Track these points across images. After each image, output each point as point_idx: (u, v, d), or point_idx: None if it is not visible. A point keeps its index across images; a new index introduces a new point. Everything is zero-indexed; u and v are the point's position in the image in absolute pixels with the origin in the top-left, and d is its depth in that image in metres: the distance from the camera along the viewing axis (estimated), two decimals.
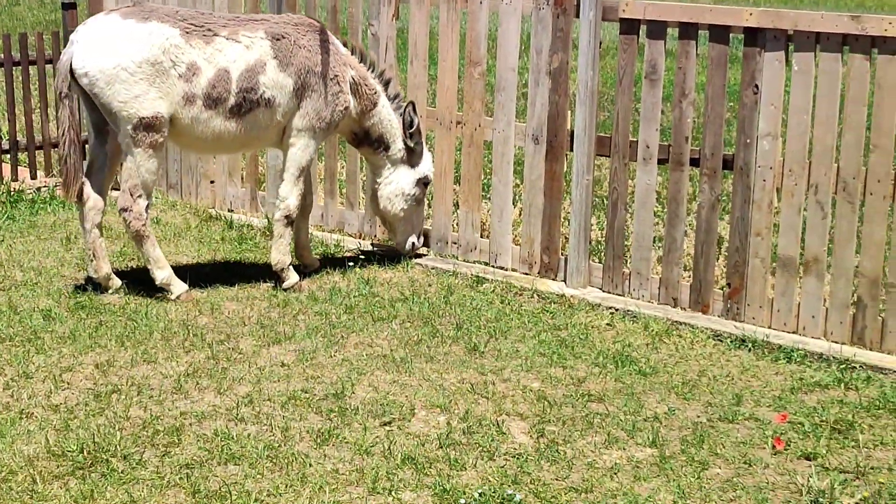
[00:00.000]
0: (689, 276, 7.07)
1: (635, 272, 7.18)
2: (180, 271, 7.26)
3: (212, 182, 9.26)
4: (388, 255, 7.93)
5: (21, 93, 9.90)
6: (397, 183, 7.58)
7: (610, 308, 7.01)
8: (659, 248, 7.62)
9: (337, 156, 8.70)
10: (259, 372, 5.89)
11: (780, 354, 6.30)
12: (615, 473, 4.86)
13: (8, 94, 9.50)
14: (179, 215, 9.02)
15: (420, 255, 7.91)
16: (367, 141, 7.56)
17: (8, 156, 9.71)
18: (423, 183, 7.67)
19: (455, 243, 8.00)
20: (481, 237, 7.95)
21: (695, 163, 6.86)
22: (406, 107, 7.49)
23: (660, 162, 7.00)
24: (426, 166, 7.69)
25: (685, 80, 6.82)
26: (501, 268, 7.75)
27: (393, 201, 7.59)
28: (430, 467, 4.87)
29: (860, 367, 6.11)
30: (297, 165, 7.23)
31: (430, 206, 8.38)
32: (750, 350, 6.41)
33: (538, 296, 7.26)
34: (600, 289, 7.31)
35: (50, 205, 9.15)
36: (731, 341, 6.52)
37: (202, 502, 4.53)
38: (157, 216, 8.91)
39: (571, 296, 7.20)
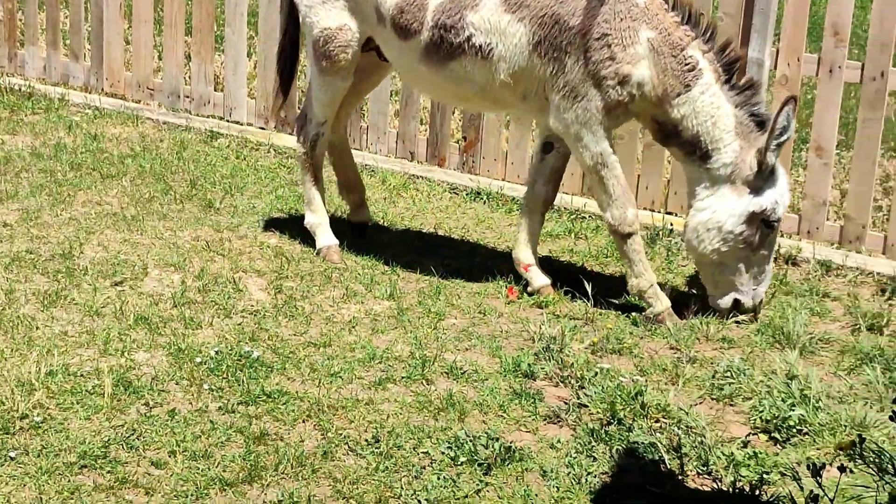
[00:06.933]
0: (426, 131, 7.09)
1: (373, 126, 7.14)
2: None
3: None
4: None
5: None
6: (713, 211, 5.08)
7: None
8: (396, 102, 7.59)
9: (59, 4, 8.22)
10: None
11: (513, 206, 6.42)
12: (353, 327, 4.88)
13: None
14: None
15: (737, 320, 5.17)
16: (677, 140, 5.14)
17: None
18: (764, 221, 5.04)
19: (188, 97, 7.74)
20: (215, 91, 7.72)
21: None
22: (784, 106, 4.88)
23: None
24: (772, 196, 5.04)
25: None
26: (237, 122, 7.58)
27: (701, 236, 5.10)
28: (164, 327, 4.75)
29: (589, 216, 6.31)
30: (588, 168, 5.23)
31: (160, 59, 8.05)
32: (485, 202, 6.52)
33: (275, 151, 7.15)
34: None
35: None
36: (467, 194, 6.61)
37: None
38: None
39: None
